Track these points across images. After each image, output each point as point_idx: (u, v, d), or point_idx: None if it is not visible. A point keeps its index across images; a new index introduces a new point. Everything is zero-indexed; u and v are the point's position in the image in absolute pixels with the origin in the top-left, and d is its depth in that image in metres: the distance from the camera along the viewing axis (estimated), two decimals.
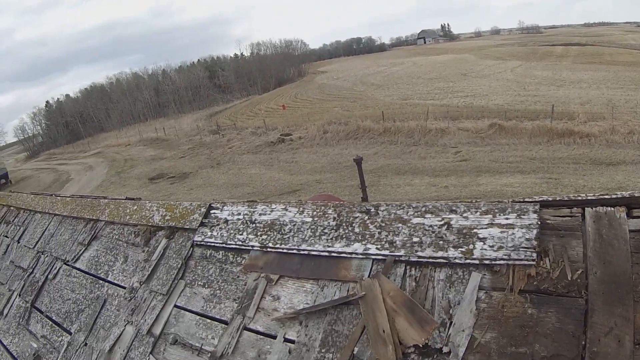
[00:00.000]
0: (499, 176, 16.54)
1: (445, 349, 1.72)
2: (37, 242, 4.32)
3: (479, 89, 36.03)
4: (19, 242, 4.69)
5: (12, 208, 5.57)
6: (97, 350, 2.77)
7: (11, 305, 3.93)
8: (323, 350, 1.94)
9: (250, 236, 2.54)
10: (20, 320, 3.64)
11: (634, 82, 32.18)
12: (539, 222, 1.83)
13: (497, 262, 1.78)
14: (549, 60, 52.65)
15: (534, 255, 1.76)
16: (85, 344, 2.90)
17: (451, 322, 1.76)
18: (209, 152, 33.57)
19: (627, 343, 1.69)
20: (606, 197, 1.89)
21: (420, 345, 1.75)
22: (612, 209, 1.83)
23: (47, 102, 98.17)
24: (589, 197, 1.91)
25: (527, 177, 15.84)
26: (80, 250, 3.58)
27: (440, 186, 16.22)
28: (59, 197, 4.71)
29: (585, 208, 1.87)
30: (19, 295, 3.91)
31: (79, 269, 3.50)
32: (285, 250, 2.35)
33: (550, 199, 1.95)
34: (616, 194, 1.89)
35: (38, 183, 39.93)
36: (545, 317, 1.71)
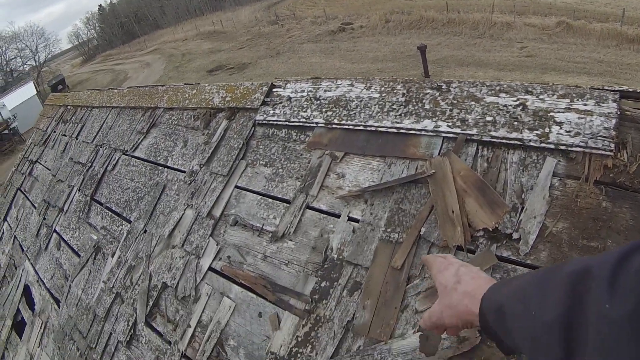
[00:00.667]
0: (565, 75, 15.98)
1: (515, 235, 1.59)
2: (95, 136, 4.22)
3: None
4: (77, 139, 4.58)
5: (69, 107, 5.40)
6: (157, 236, 2.69)
7: (71, 201, 3.86)
8: (389, 230, 1.83)
9: (314, 113, 2.39)
10: (81, 214, 3.58)
11: None
12: (619, 112, 1.65)
13: (574, 148, 1.63)
14: None
15: (612, 145, 1.60)
16: (145, 231, 2.81)
17: (523, 208, 1.62)
18: (268, 42, 32.41)
19: None
20: None
21: (490, 229, 1.62)
22: None
23: (100, 5, 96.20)
24: None
25: (593, 78, 15.27)
26: (139, 139, 3.47)
27: (505, 80, 16.18)
28: (115, 90, 4.56)
29: None
30: (79, 190, 3.84)
31: (138, 158, 3.41)
32: (351, 127, 2.20)
33: (630, 89, 1.75)
34: None
35: (95, 84, 38.29)
36: (620, 213, 1.56)
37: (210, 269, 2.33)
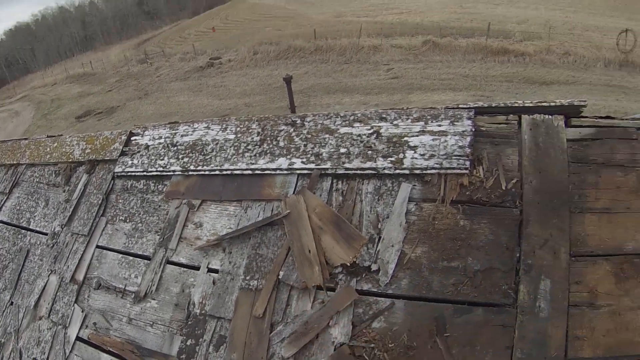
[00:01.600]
0: (431, 93, 16.89)
1: (374, 267, 1.65)
2: None
3: (414, 5, 36.35)
4: None
5: None
6: (24, 308, 2.58)
7: None
8: (248, 278, 1.84)
9: (171, 160, 2.39)
10: None
11: (573, 4, 32.56)
12: (473, 129, 1.75)
13: (429, 171, 1.70)
14: None
15: (467, 163, 1.69)
16: (12, 303, 2.69)
17: (380, 237, 1.68)
18: (137, 82, 32.23)
19: (562, 255, 1.65)
20: (544, 104, 1.83)
21: (348, 264, 1.67)
22: (550, 117, 1.79)
23: None
24: (526, 104, 1.86)
25: (459, 94, 16.25)
26: (1, 200, 3.30)
27: (372, 104, 16.44)
28: None
29: (522, 115, 1.82)
30: None
31: (1, 222, 3.24)
32: (207, 172, 2.21)
33: (485, 105, 1.86)
34: (554, 102, 1.84)
35: None
36: (479, 229, 1.65)
37: (78, 338, 2.26)
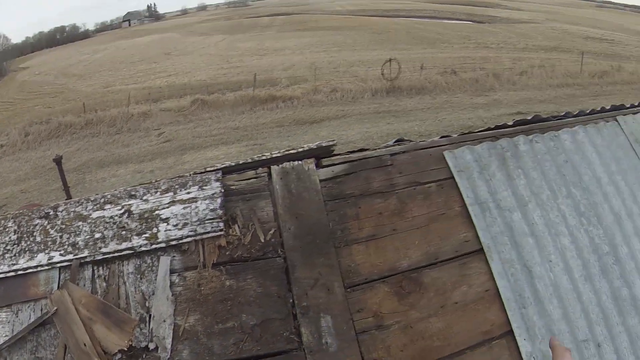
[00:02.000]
0: (204, 151, 19.00)
1: (151, 346, 1.85)
2: None
3: (182, 66, 40.30)
4: None
5: None
6: None
7: None
8: None
9: None
10: None
11: (337, 44, 39.35)
12: (223, 190, 2.06)
13: (185, 240, 1.96)
14: (254, 31, 60.53)
15: (221, 225, 1.98)
16: None
17: (150, 315, 1.88)
18: None
19: (337, 289, 1.99)
20: (292, 152, 2.24)
21: (126, 349, 1.83)
22: (300, 162, 2.19)
23: None
24: (274, 155, 2.23)
25: (231, 147, 18.46)
26: None
27: (147, 171, 17.77)
28: None
29: (272, 167, 2.19)
30: None
31: None
32: None
33: (232, 164, 2.21)
34: (303, 147, 2.26)
35: None
36: (246, 285, 1.93)
37: None
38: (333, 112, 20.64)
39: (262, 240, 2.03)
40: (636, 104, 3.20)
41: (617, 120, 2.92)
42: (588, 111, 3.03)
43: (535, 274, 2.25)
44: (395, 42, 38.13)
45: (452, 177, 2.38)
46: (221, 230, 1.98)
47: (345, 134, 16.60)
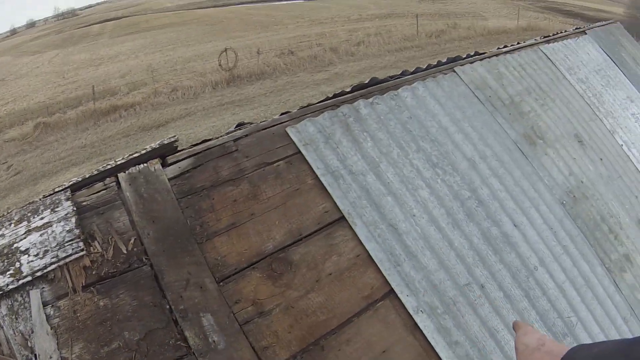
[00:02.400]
0: (56, 176, 20.53)
1: None
2: None
3: (19, 91, 42.66)
4: None
5: None
6: None
7: None
8: None
9: None
10: None
11: (171, 42, 43.36)
12: (75, 208, 2.24)
13: (49, 268, 2.13)
14: (86, 41, 64.16)
15: (81, 244, 2.15)
16: None
17: (36, 355, 2.02)
18: None
19: (210, 285, 2.22)
20: (136, 155, 2.46)
21: None
22: (145, 164, 2.42)
23: None
24: (119, 163, 2.43)
25: (82, 167, 19.86)
26: None
27: (2, 211, 17.33)
28: None
29: (119, 174, 2.40)
30: None
31: None
32: None
33: (80, 179, 2.38)
34: (145, 148, 2.50)
35: None
36: (120, 301, 2.12)
37: None
38: (177, 112, 23.01)
39: (125, 252, 2.22)
40: (472, 54, 4.10)
41: (455, 71, 3.51)
42: (425, 67, 3.45)
43: (402, 230, 2.62)
44: (230, 32, 42.49)
45: (299, 152, 2.74)
46: (82, 250, 2.14)
47: (193, 132, 18.49)
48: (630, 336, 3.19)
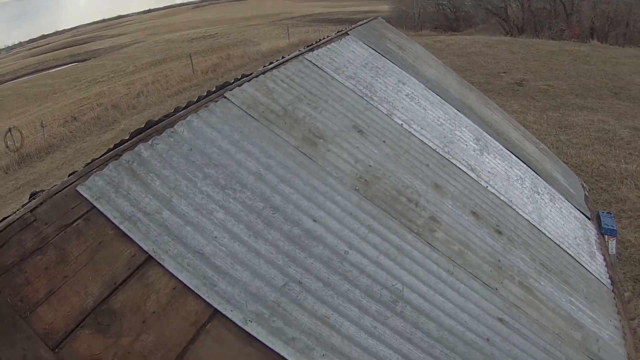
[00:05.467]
0: None
1: None
2: None
3: None
4: None
5: None
6: None
7: None
8: None
9: None
10: None
11: None
12: None
13: None
14: None
15: None
16: None
17: None
18: None
19: (46, 355, 2.47)
20: None
21: None
22: None
23: None
24: None
25: None
26: None
27: None
28: None
29: None
30: None
31: None
32: None
33: None
34: None
35: None
36: None
37: None
38: None
39: None
40: (239, 77, 4.58)
41: (225, 97, 3.96)
42: (196, 99, 4.00)
43: (208, 253, 2.91)
44: (9, 110, 41.73)
45: (94, 207, 2.94)
46: None
47: None
48: (459, 286, 3.81)
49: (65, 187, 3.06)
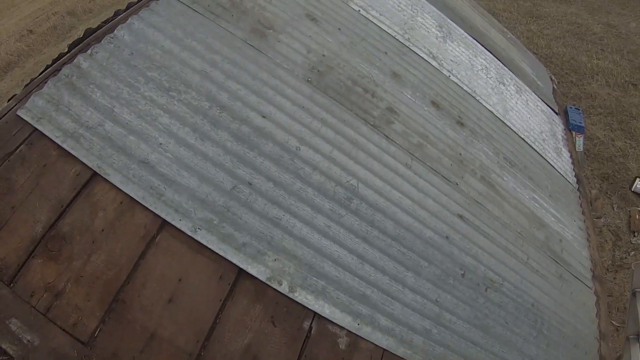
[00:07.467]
0: None
1: None
2: None
3: None
4: None
5: None
6: None
7: None
8: None
9: None
10: None
11: None
12: None
13: None
14: None
15: None
16: None
17: None
18: None
19: (3, 291, 2.57)
20: None
21: None
22: None
23: None
24: None
25: None
26: None
27: None
28: None
29: None
30: None
31: None
32: None
33: None
34: None
35: None
36: None
37: None
38: None
39: None
40: None
41: None
42: (136, 0, 3.68)
43: (153, 162, 2.93)
44: None
45: (36, 129, 2.92)
46: None
47: None
48: (417, 180, 3.84)
49: (5, 113, 3.02)
